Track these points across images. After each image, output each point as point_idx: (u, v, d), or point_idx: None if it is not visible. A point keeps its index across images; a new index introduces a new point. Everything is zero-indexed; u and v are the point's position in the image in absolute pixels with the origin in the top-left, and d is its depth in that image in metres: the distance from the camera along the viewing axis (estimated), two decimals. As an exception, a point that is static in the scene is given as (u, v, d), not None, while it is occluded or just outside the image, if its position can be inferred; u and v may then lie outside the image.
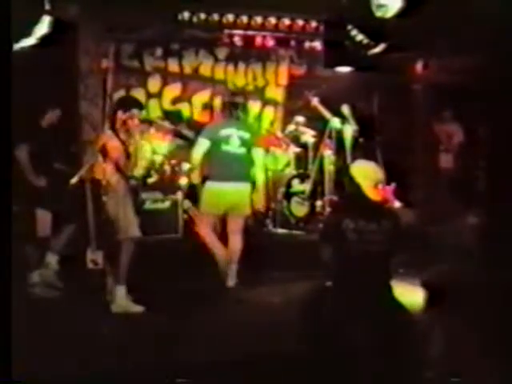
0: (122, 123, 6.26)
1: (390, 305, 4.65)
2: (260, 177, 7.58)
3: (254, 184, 7.49)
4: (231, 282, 7.09)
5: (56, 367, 4.75)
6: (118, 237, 6.28)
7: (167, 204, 8.13)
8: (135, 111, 6.34)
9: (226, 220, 7.29)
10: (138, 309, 6.24)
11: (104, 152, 6.29)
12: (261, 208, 8.86)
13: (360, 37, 6.24)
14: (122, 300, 6.25)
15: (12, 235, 3.89)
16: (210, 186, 7.19)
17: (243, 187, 7.18)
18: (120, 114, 6.27)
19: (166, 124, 8.80)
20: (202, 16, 8.77)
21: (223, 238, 7.29)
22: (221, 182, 7.09)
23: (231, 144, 7.10)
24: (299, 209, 8.95)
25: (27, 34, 5.67)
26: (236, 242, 7.18)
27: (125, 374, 4.82)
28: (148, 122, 8.48)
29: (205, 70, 9.72)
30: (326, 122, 8.98)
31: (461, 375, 2.99)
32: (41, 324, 5.38)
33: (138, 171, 6.57)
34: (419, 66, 9.91)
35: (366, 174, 4.73)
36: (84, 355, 5.05)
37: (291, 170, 9.16)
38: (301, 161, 9.31)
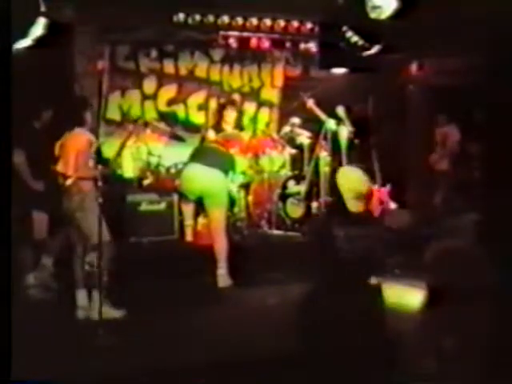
0: None
1: (383, 306, 4.66)
2: None
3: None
4: (224, 283, 7.15)
5: (51, 368, 4.75)
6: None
7: (163, 205, 8.14)
8: None
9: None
10: (117, 314, 5.99)
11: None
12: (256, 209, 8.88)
13: (355, 38, 6.24)
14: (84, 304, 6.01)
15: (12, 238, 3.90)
16: None
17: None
18: None
19: (162, 125, 8.81)
20: (198, 17, 8.79)
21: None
22: None
23: None
24: (295, 210, 8.95)
25: (23, 35, 5.66)
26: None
27: (121, 375, 4.82)
28: (144, 124, 8.50)
29: (200, 71, 9.72)
30: (321, 123, 8.99)
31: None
32: (36, 326, 5.37)
33: (130, 173, 6.46)
34: (414, 67, 9.94)
35: (350, 185, 4.75)
36: (79, 357, 5.06)
37: (287, 172, 9.16)
38: (296, 162, 9.33)
